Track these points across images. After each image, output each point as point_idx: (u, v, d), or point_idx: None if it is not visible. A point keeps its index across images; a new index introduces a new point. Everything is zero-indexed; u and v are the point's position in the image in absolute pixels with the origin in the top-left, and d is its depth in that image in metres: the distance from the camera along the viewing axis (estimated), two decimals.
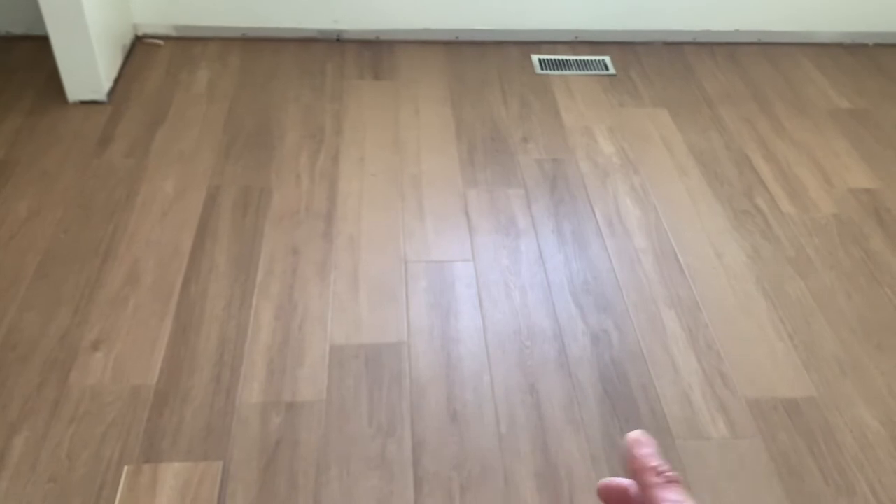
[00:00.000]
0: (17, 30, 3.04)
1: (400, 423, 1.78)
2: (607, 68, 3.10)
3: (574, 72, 3.08)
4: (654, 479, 0.44)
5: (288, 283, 2.11)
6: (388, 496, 1.64)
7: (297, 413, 1.79)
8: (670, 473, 0.44)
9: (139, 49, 3.06)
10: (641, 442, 0.46)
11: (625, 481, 0.48)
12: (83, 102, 2.72)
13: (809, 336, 2.05)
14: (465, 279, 2.17)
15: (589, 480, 1.69)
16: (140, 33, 3.10)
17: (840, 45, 3.37)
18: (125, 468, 1.65)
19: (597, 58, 3.16)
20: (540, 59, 3.14)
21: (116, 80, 2.84)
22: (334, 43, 3.18)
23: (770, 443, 1.79)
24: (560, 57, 3.17)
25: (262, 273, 2.13)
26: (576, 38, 3.26)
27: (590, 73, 3.08)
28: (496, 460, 1.73)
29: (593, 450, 1.76)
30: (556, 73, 3.07)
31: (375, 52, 3.14)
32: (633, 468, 0.46)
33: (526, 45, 3.24)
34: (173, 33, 3.12)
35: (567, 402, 1.86)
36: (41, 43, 2.96)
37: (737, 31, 3.29)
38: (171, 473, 1.64)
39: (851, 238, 2.37)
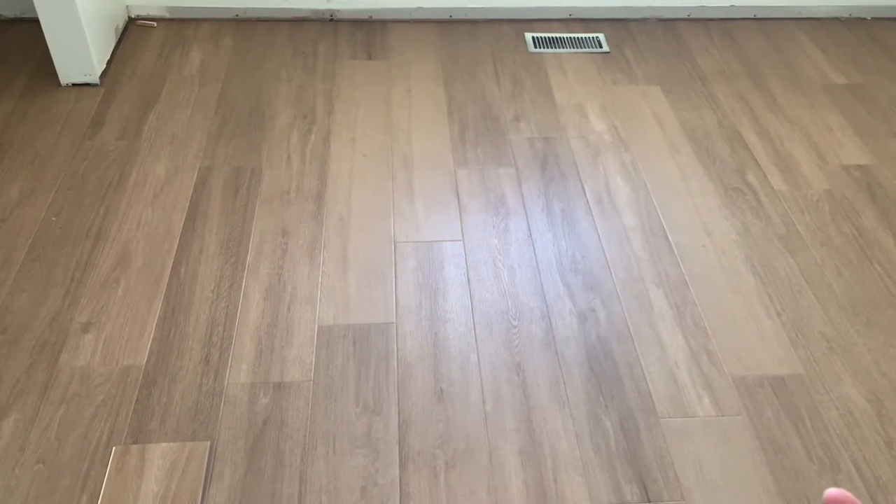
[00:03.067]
0: (10, 13, 3.04)
1: (386, 402, 1.80)
2: (601, 46, 3.08)
3: (567, 49, 3.07)
4: None
5: (277, 263, 2.12)
6: (374, 474, 1.66)
7: (285, 393, 1.80)
8: None
9: (132, 31, 3.06)
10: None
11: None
12: (75, 85, 2.73)
13: (797, 313, 2.06)
14: (453, 259, 2.17)
15: (573, 458, 1.71)
16: (133, 15, 3.10)
17: (837, 20, 3.34)
18: (113, 449, 1.67)
19: (590, 35, 3.14)
20: (533, 37, 3.12)
21: (109, 63, 2.84)
22: (327, 23, 3.16)
23: (755, 420, 1.80)
24: (554, 35, 3.15)
25: (252, 254, 2.14)
26: (570, 15, 3.24)
27: (583, 50, 3.06)
28: (481, 438, 1.74)
29: (578, 428, 1.77)
30: (550, 50, 3.05)
31: (368, 32, 3.13)
32: None
33: (519, 23, 3.22)
34: (166, 14, 3.11)
35: (553, 381, 1.87)
36: (34, 26, 2.97)
37: (732, 6, 3.27)
38: (159, 454, 1.66)
39: (843, 214, 2.36)
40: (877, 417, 1.82)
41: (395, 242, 2.21)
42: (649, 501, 1.64)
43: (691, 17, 3.28)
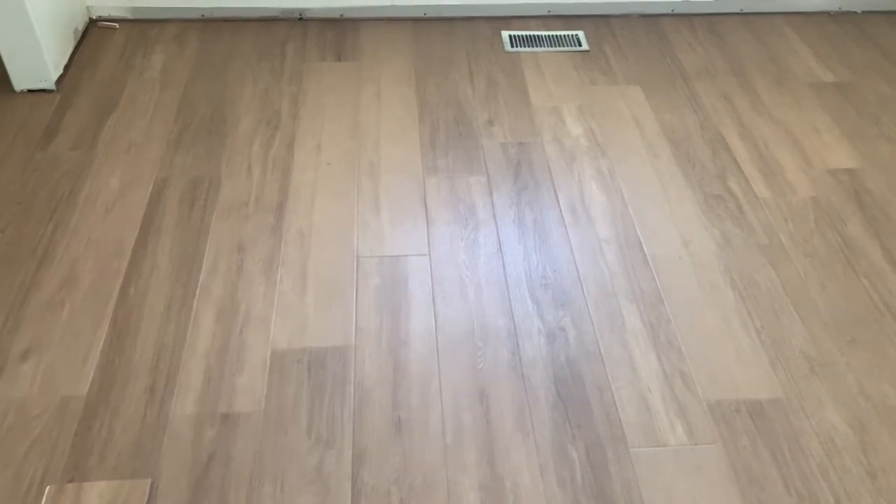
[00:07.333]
0: None
1: (340, 434, 1.70)
2: (580, 44, 2.97)
3: (545, 48, 2.95)
4: None
5: (232, 282, 2.02)
6: None
7: (233, 425, 1.70)
8: None
9: (93, 33, 2.94)
10: None
11: None
12: (31, 91, 2.62)
13: (778, 331, 1.95)
14: (418, 275, 2.07)
15: (536, 493, 1.61)
16: (94, 16, 2.98)
17: (827, 14, 3.22)
18: (47, 488, 1.57)
19: (570, 33, 3.02)
20: (510, 36, 3.00)
21: (67, 67, 2.73)
22: (296, 22, 3.05)
23: (731, 449, 1.70)
24: (531, 33, 3.03)
25: (206, 272, 2.04)
26: (549, 12, 3.12)
27: (562, 49, 2.95)
28: (439, 472, 1.64)
29: (542, 460, 1.67)
30: (527, 49, 2.94)
31: (339, 32, 3.01)
32: None
33: (497, 20, 3.10)
34: (129, 15, 3.00)
35: (518, 408, 1.77)
36: None
37: (717, 0, 3.15)
38: (96, 493, 1.56)
39: (829, 223, 2.25)
40: (859, 445, 1.72)
41: (357, 258, 2.11)
42: None
43: (675, 12, 3.16)
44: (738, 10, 3.18)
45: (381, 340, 1.90)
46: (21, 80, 2.59)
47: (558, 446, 1.70)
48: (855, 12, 3.22)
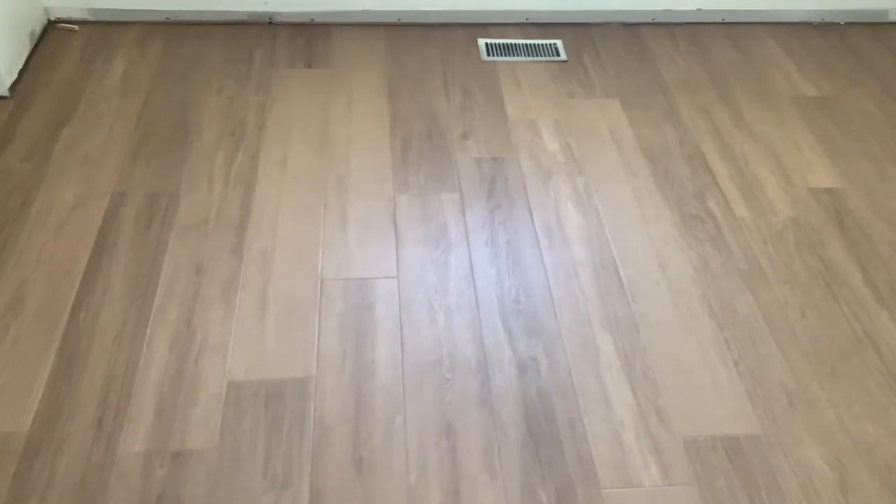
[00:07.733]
0: None
1: (298, 474, 1.61)
2: (558, 53, 2.88)
3: (523, 57, 2.87)
4: None
5: (188, 306, 1.92)
6: None
7: (184, 463, 1.61)
8: None
9: (52, 35, 2.82)
10: None
11: None
12: None
13: (756, 362, 1.89)
14: (386, 299, 1.98)
15: None
16: (52, 17, 2.86)
17: (810, 25, 3.15)
18: None
19: (548, 42, 2.94)
20: (487, 44, 2.91)
21: (22, 72, 2.61)
22: (265, 27, 2.94)
23: (706, 490, 1.63)
24: (509, 41, 2.94)
25: (161, 295, 1.94)
26: (527, 19, 3.04)
27: (539, 58, 2.86)
28: None
29: (510, 503, 1.59)
30: (504, 59, 2.85)
31: (310, 37, 2.91)
32: None
33: (473, 27, 3.01)
34: (89, 17, 2.88)
35: (486, 445, 1.69)
36: None
37: (699, 10, 3.08)
38: None
39: (809, 246, 2.19)
40: (837, 486, 1.65)
41: (322, 280, 2.02)
42: None
43: (656, 21, 3.09)
44: (719, 20, 3.11)
45: (343, 371, 1.81)
46: None
47: (527, 488, 1.62)
48: (838, 24, 3.16)
